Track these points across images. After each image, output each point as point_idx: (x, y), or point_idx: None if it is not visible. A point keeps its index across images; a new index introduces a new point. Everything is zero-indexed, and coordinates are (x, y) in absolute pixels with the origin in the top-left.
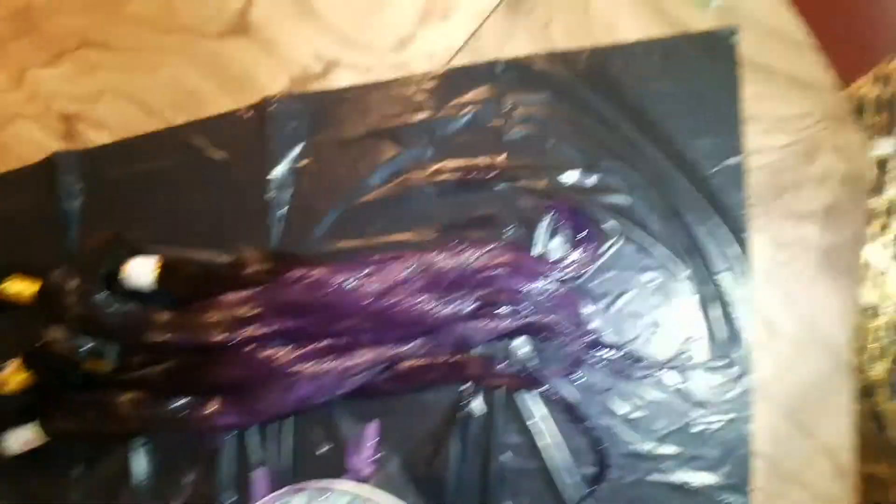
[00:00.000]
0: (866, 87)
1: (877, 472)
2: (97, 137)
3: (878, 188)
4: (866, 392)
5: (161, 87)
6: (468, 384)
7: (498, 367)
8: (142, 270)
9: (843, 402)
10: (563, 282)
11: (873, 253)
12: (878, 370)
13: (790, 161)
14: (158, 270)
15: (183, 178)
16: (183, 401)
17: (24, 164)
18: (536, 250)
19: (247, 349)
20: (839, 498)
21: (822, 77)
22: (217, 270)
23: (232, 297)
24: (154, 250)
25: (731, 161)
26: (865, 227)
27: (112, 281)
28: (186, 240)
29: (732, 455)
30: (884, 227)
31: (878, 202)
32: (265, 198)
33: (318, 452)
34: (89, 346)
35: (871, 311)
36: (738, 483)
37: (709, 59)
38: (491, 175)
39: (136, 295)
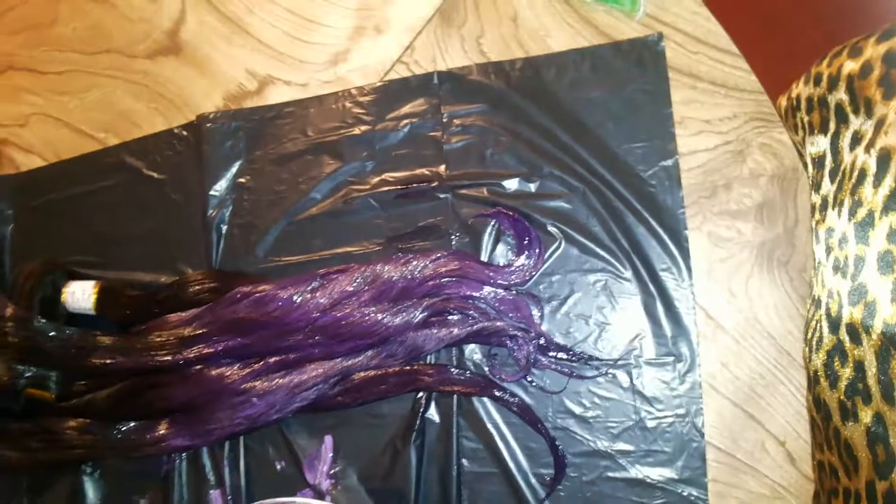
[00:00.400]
0: (800, 87)
1: (828, 460)
2: (27, 161)
3: (816, 185)
4: (812, 382)
5: (92, 110)
6: (422, 393)
7: (451, 374)
8: (80, 295)
9: (790, 391)
10: (510, 287)
11: (815, 247)
12: (818, 361)
13: (721, 161)
14: (96, 295)
15: (119, 199)
16: (131, 425)
17: None
18: (482, 257)
19: (194, 369)
20: (793, 485)
21: (746, 80)
22: (158, 292)
23: (176, 317)
24: (93, 274)
25: (666, 163)
26: (810, 222)
27: (51, 306)
28: (126, 262)
29: (686, 448)
30: (819, 223)
31: (816, 198)
32: (206, 216)
33: (274, 470)
34: (30, 374)
35: (817, 303)
36: (696, 476)
37: (638, 65)
38: (433, 185)
39: (78, 319)
